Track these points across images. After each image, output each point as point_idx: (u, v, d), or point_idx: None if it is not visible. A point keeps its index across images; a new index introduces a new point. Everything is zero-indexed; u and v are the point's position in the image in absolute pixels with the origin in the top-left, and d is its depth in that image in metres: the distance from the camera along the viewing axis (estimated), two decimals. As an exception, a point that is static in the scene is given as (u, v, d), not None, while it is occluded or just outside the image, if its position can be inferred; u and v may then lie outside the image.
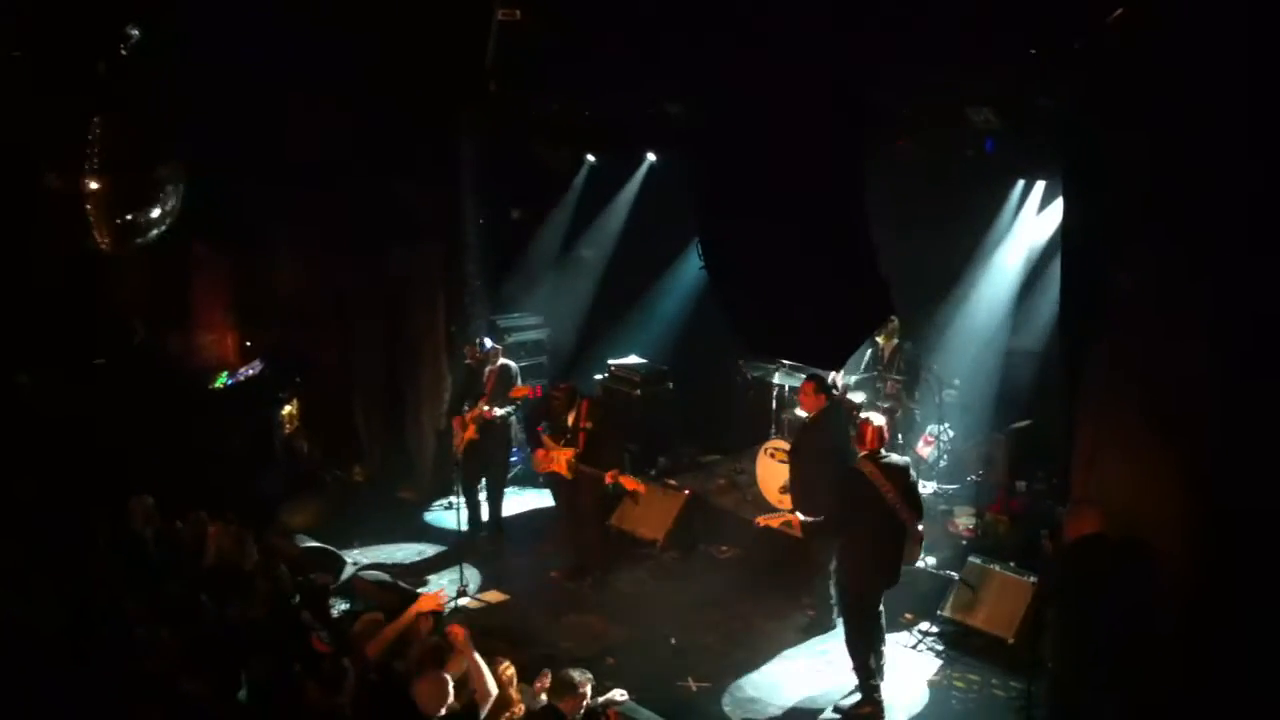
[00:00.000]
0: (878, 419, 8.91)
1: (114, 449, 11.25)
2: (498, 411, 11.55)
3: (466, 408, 11.69)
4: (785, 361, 11.65)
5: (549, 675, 7.42)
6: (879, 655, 8.91)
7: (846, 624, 9.01)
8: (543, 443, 11.01)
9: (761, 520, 9.99)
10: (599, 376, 13.28)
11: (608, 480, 10.55)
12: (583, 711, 7.14)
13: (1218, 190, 6.95)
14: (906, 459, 9.12)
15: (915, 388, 11.65)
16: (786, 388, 11.90)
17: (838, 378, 11.05)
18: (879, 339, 11.65)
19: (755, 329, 8.85)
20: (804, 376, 10.41)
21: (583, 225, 13.94)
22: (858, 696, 8.91)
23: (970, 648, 9.63)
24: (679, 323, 13.50)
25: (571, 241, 13.93)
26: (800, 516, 9.55)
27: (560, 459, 10.78)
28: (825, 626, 9.89)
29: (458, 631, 7.36)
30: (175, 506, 9.92)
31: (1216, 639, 7.25)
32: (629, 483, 10.58)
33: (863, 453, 8.81)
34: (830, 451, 9.56)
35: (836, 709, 8.93)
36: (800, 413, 11.81)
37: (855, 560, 8.80)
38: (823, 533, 9.25)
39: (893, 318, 11.27)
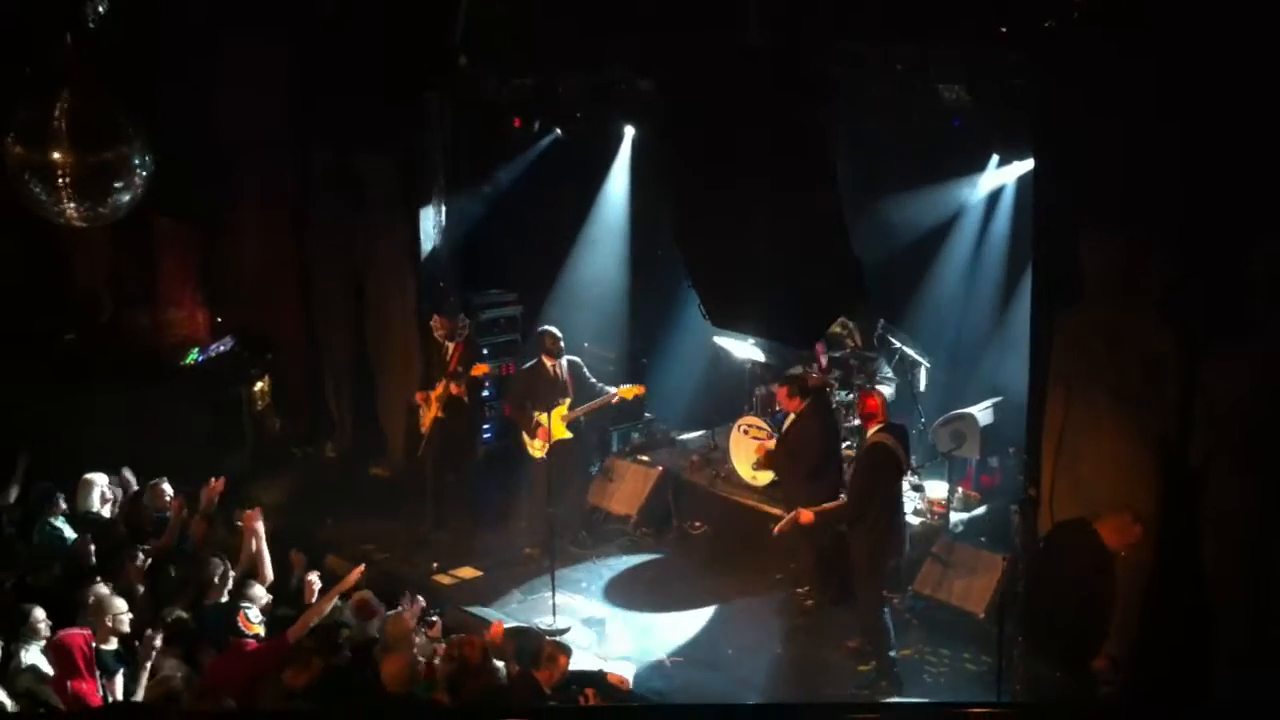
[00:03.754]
0: (875, 390, 8.95)
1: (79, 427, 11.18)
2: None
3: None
4: (758, 339, 11.65)
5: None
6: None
7: (864, 600, 9.04)
8: (532, 430, 10.95)
9: (777, 530, 9.57)
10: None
11: (614, 400, 10.97)
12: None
13: (1175, 174, 7.02)
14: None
15: (889, 366, 11.67)
16: (758, 364, 11.92)
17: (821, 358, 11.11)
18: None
19: (727, 307, 8.83)
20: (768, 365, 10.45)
21: (560, 200, 13.82)
22: (874, 671, 8.99)
23: (942, 623, 9.70)
24: (653, 298, 13.45)
25: (547, 216, 13.82)
26: (807, 512, 9.28)
27: (555, 422, 10.73)
28: (819, 604, 9.98)
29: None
30: (144, 485, 9.90)
31: (1179, 603, 7.35)
32: (628, 391, 10.95)
33: (875, 427, 8.80)
34: (817, 445, 9.66)
35: (853, 685, 8.98)
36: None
37: (876, 535, 8.86)
38: (844, 519, 9.02)
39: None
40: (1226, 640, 7.21)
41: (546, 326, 11.23)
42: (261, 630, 7.76)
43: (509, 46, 10.89)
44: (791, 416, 9.97)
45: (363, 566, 8.48)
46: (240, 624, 7.67)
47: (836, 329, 11.46)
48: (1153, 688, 7.47)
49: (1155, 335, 7.32)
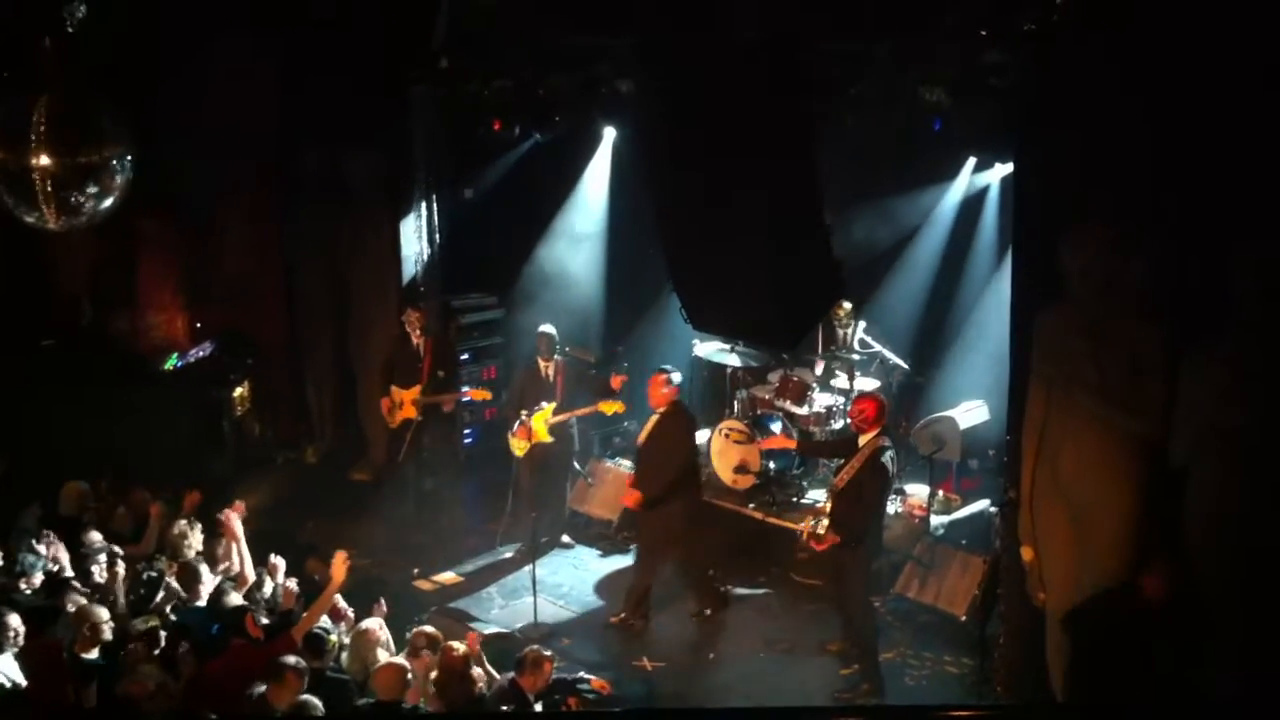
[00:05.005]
0: (876, 394, 8.98)
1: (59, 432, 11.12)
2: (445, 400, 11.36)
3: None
4: (738, 343, 11.65)
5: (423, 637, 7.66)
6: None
7: (857, 605, 8.99)
8: (522, 431, 10.93)
9: (822, 549, 9.22)
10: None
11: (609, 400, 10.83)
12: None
13: (1159, 172, 7.04)
14: None
15: (869, 368, 11.68)
16: (739, 368, 11.93)
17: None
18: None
19: (708, 311, 8.81)
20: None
21: (542, 202, 13.81)
22: (857, 675, 8.98)
23: (923, 625, 9.71)
24: (634, 302, 13.45)
25: (527, 219, 13.81)
26: (828, 531, 8.92)
27: (538, 424, 10.77)
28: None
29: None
30: (123, 491, 9.85)
31: (1165, 600, 7.35)
32: (608, 407, 10.85)
33: (874, 431, 8.74)
34: (683, 443, 9.76)
35: (835, 689, 8.97)
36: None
37: (873, 537, 8.87)
38: (852, 535, 8.75)
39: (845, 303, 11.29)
40: (1221, 638, 7.18)
41: (543, 328, 11.27)
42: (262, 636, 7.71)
43: (490, 42, 10.87)
44: (656, 416, 9.94)
45: (343, 554, 8.25)
46: (248, 627, 7.60)
47: (843, 315, 11.44)
48: (1150, 687, 7.46)
49: (1138, 333, 7.30)
